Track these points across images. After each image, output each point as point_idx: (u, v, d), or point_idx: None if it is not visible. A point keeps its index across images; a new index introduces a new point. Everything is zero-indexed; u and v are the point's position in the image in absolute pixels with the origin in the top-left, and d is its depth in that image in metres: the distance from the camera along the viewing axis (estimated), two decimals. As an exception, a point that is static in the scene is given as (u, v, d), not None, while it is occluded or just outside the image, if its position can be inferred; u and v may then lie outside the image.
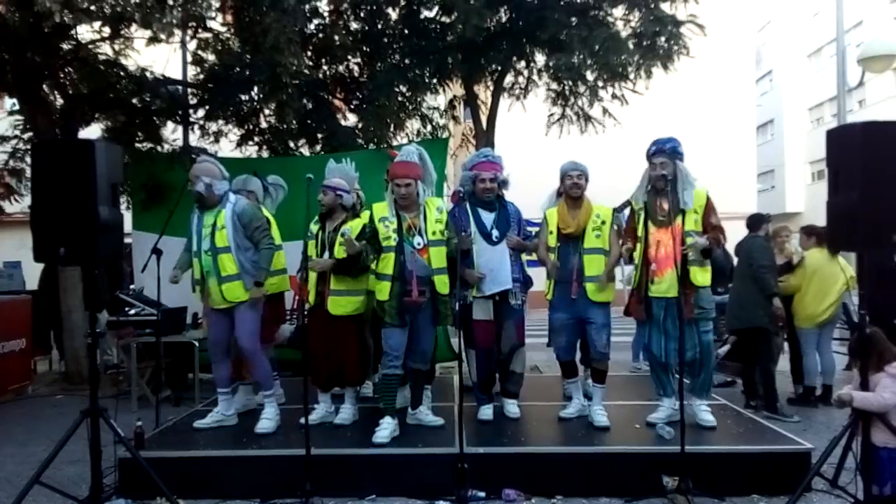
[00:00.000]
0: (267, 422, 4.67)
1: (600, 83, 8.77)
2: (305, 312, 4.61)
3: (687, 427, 3.95)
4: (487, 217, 4.83)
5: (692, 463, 3.84)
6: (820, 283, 6.18)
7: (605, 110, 9.47)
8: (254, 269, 4.63)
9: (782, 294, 6.04)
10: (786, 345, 6.63)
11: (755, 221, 6.31)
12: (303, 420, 4.07)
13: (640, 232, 4.64)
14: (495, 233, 4.78)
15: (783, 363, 6.63)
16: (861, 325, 3.79)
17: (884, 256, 5.69)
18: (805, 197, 30.56)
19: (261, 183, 5.56)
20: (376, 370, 5.93)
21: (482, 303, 4.75)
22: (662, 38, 8.20)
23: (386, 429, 4.42)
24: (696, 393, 4.67)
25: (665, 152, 4.53)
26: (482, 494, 4.00)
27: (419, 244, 4.41)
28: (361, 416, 4.98)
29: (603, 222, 4.75)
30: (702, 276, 4.53)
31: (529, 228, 5.12)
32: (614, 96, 9.16)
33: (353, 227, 4.65)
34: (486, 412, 4.83)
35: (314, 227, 4.88)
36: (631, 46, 8.27)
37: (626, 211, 5.08)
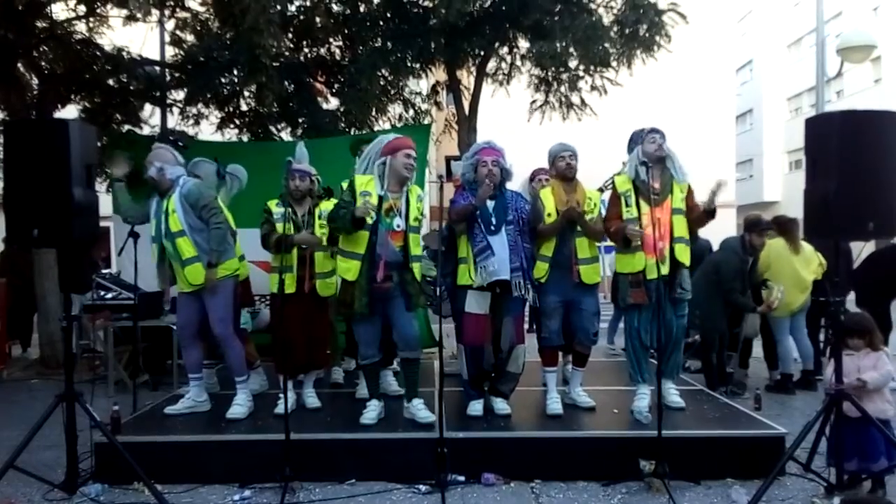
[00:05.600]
0: (238, 408, 4.61)
1: (581, 72, 8.79)
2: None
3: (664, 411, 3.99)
4: (488, 205, 4.53)
5: (669, 447, 3.89)
6: (789, 272, 6.20)
7: (582, 101, 9.50)
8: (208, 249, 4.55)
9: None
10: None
11: (752, 224, 6.18)
12: (277, 409, 4.04)
13: (632, 214, 4.55)
14: (493, 221, 4.47)
15: (757, 350, 6.72)
16: (835, 311, 3.91)
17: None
18: (782, 186, 30.92)
19: (215, 169, 5.32)
20: (350, 355, 5.93)
21: (478, 295, 4.48)
22: (644, 27, 8.22)
23: (373, 410, 4.45)
24: (666, 375, 4.65)
25: (659, 132, 4.58)
26: (462, 478, 4.02)
27: (398, 226, 4.32)
28: (337, 401, 5.00)
29: (595, 205, 4.75)
30: (683, 254, 4.55)
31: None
32: (593, 87, 9.18)
33: (326, 207, 4.76)
34: (476, 407, 4.61)
35: (280, 210, 4.69)
36: (613, 35, 8.28)
37: (607, 194, 5.09)
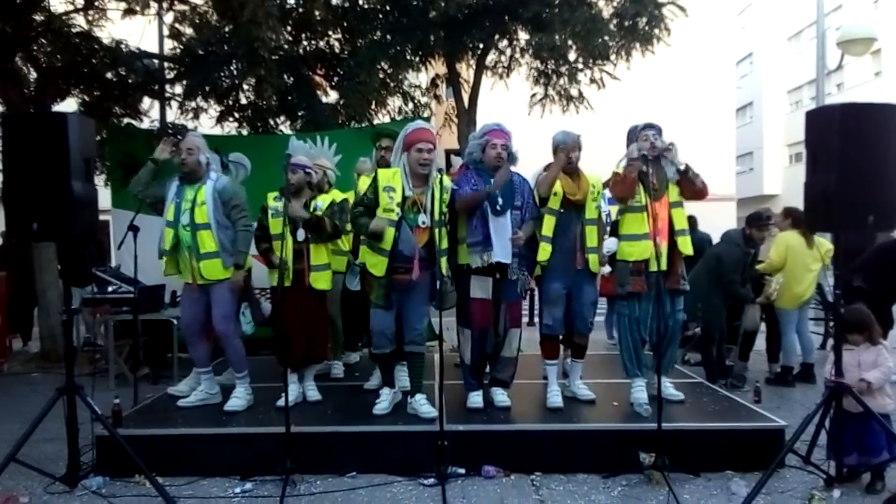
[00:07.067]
0: (237, 400, 4.63)
1: (580, 65, 8.76)
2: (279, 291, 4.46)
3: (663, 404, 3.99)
4: None
5: (668, 440, 3.89)
6: (801, 264, 6.22)
7: (580, 94, 9.46)
8: (233, 250, 4.57)
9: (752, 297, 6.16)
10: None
11: (754, 218, 6.19)
12: (279, 402, 4.04)
13: (640, 202, 4.54)
14: (500, 202, 4.43)
15: (759, 342, 6.72)
16: (836, 304, 3.91)
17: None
18: (782, 179, 30.89)
19: (218, 160, 5.19)
20: (349, 349, 5.94)
21: (480, 280, 4.48)
22: (643, 20, 8.19)
23: (385, 399, 4.48)
24: (662, 370, 4.62)
25: (655, 127, 4.59)
26: (462, 471, 4.04)
27: (423, 223, 4.26)
28: (338, 395, 5.00)
29: (599, 193, 4.75)
30: (687, 245, 4.58)
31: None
32: (593, 80, 9.16)
33: (323, 200, 4.75)
34: (476, 399, 4.59)
35: (277, 204, 4.70)
36: (612, 28, 8.26)
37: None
